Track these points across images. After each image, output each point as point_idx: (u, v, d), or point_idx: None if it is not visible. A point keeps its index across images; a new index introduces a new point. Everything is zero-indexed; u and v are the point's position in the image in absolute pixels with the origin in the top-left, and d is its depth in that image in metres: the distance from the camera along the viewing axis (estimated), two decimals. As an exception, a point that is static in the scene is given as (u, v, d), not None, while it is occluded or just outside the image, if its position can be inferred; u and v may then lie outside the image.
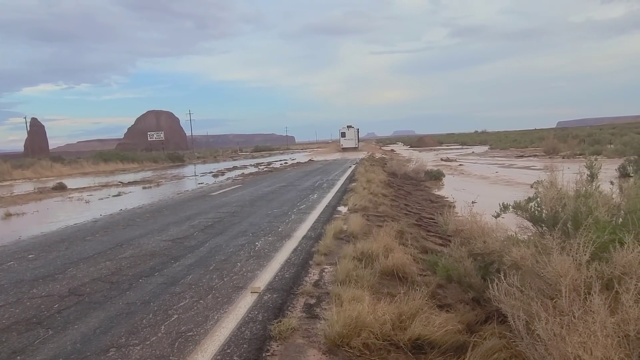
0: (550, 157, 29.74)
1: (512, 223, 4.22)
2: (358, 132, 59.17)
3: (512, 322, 2.87)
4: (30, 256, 6.54)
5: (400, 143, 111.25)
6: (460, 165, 28.63)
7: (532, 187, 3.98)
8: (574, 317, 2.53)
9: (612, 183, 3.93)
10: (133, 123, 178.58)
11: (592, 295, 2.54)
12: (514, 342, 2.95)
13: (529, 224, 3.74)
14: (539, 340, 2.61)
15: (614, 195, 3.70)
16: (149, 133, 58.80)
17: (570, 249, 2.84)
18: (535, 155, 33.21)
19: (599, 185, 3.70)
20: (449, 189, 16.35)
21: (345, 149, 54.12)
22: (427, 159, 27.19)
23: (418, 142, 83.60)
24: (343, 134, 57.28)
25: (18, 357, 3.28)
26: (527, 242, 3.39)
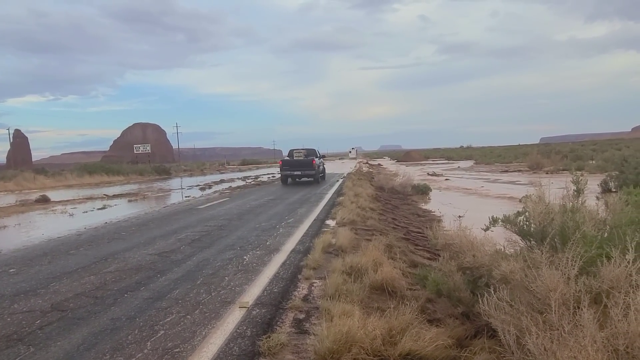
0: (534, 172, 30.15)
1: (500, 237, 4.24)
2: (357, 150, 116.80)
3: (503, 336, 2.87)
4: (11, 270, 6.38)
5: (387, 157, 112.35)
6: (446, 179, 28.86)
7: (520, 201, 4.02)
8: (564, 331, 2.55)
9: (598, 198, 3.99)
10: (119, 135, 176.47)
11: (582, 309, 2.56)
12: (504, 356, 2.95)
13: (518, 238, 3.77)
14: (529, 354, 2.61)
15: (599, 210, 3.76)
16: (135, 146, 58.21)
17: (559, 263, 2.86)
18: (519, 171, 33.63)
19: (585, 200, 3.76)
20: (435, 203, 16.43)
21: (351, 159, 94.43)
22: (414, 174, 27.39)
23: (405, 156, 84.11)
24: (350, 152, 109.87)
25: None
26: (516, 256, 3.42)
